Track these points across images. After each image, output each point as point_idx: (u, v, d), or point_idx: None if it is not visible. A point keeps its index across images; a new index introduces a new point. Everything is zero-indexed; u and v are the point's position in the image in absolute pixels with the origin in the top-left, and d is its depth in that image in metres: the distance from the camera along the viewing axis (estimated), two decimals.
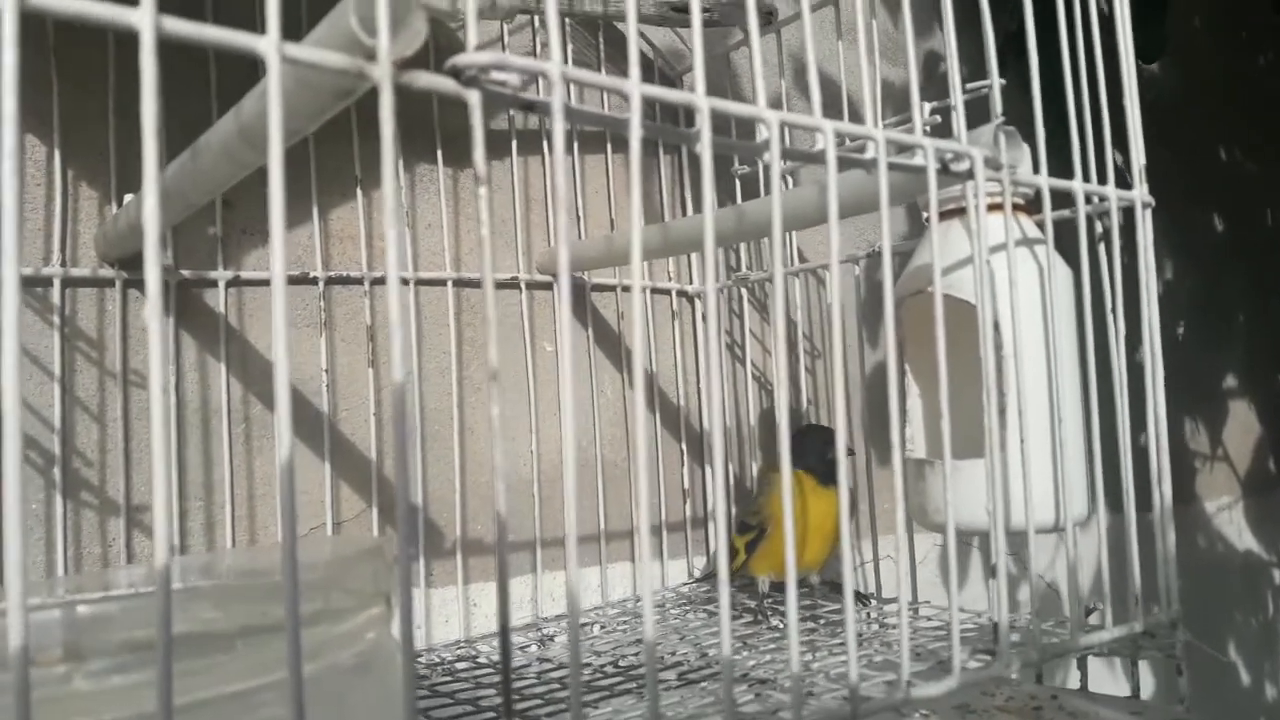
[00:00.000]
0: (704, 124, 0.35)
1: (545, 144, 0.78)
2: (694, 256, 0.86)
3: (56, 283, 0.58)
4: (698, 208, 0.85)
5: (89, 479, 0.59)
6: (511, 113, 0.76)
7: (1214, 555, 1.37)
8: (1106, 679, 1.04)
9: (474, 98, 0.31)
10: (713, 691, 0.50)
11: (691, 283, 0.86)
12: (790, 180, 0.79)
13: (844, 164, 0.41)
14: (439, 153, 0.73)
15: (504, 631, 0.29)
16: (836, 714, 0.37)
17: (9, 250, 0.23)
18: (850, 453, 0.67)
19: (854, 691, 0.38)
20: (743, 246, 0.88)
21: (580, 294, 0.79)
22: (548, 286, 0.78)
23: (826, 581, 0.73)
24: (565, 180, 0.31)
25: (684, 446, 0.84)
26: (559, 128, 0.32)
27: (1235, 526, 1.40)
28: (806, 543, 0.67)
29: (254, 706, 0.31)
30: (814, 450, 0.69)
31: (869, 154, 0.42)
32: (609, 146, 0.81)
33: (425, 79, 0.30)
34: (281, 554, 0.25)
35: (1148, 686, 1.03)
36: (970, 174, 0.45)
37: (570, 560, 0.30)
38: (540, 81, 0.32)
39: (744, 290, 0.87)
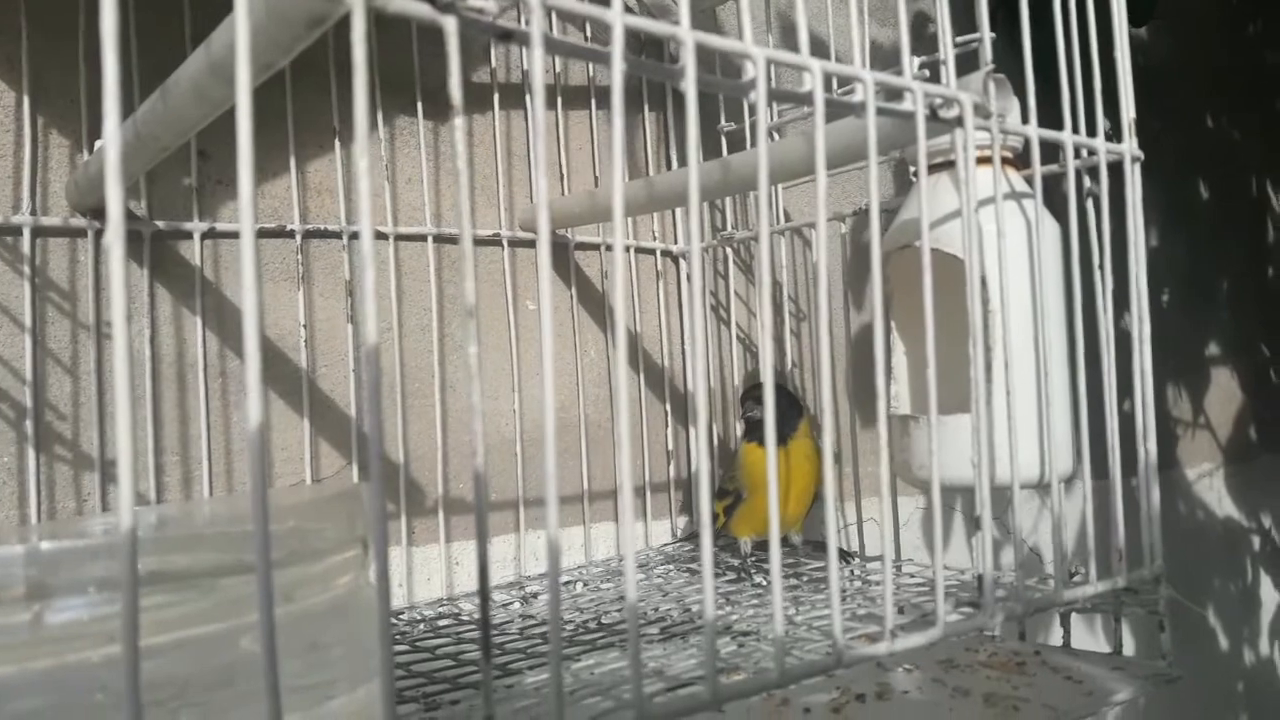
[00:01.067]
0: (688, 58, 0.34)
1: (528, 97, 0.76)
2: (679, 216, 0.85)
3: (26, 232, 0.57)
4: (683, 164, 0.84)
5: (62, 432, 0.58)
6: (494, 64, 0.75)
7: (1194, 521, 1.38)
8: (1088, 640, 1.05)
9: (450, 24, 0.30)
10: (695, 644, 0.50)
11: (676, 242, 0.85)
12: (776, 136, 0.78)
13: (831, 108, 0.40)
14: (419, 106, 0.71)
15: (483, 572, 0.29)
16: (820, 664, 0.37)
17: None
18: (754, 420, 0.67)
19: (837, 642, 0.37)
20: (728, 206, 0.87)
21: (563, 252, 0.78)
22: (530, 244, 0.77)
23: (809, 541, 0.72)
24: (544, 113, 0.30)
25: (668, 408, 0.83)
26: (538, 58, 0.31)
27: (1216, 493, 1.41)
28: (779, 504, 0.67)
29: (232, 645, 0.31)
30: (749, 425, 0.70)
31: (857, 97, 0.41)
32: (593, 102, 0.80)
33: (398, 4, 0.29)
34: (250, 482, 0.24)
35: (1128, 647, 1.04)
36: (959, 121, 0.44)
37: (550, 501, 0.30)
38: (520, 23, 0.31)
39: (729, 250, 0.86)
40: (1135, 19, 1.24)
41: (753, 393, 0.71)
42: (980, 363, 0.45)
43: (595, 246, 0.80)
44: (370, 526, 0.34)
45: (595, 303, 0.80)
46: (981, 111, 0.45)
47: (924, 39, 1.07)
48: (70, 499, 0.58)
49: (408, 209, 0.71)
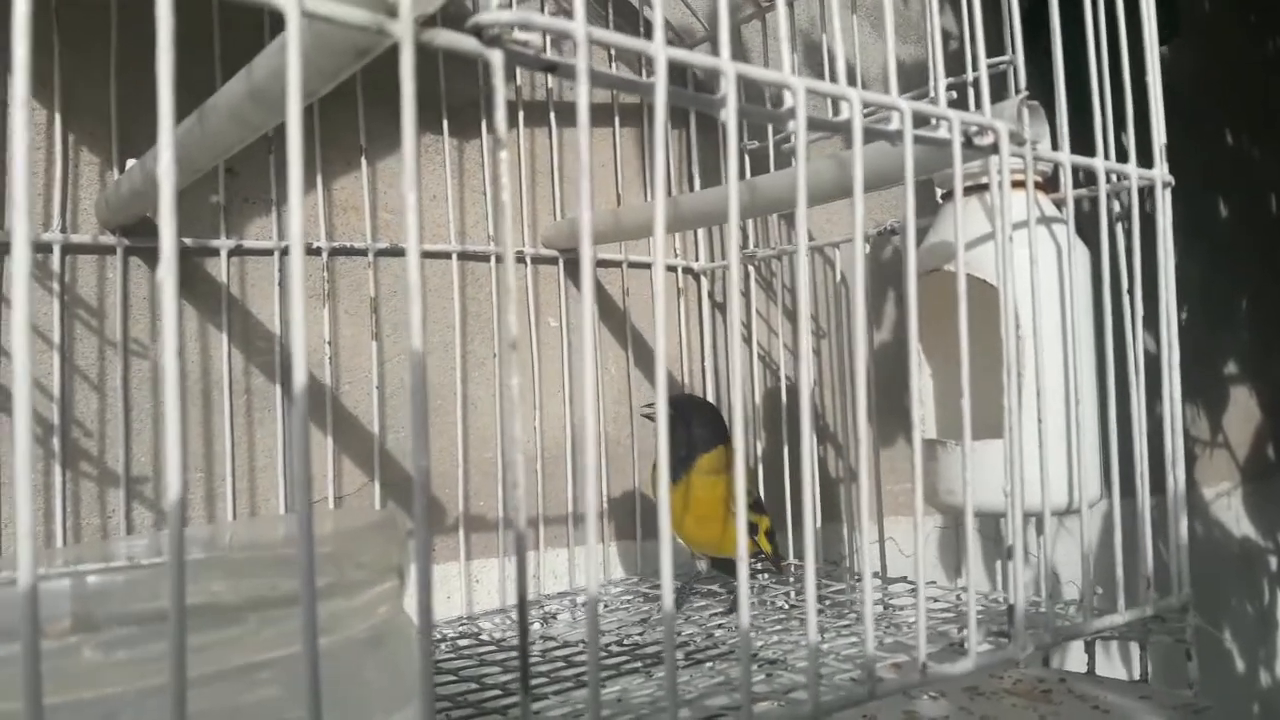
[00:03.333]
0: (730, 89, 0.34)
1: (552, 115, 0.77)
2: (700, 233, 0.85)
3: (56, 249, 0.57)
4: (705, 183, 0.84)
5: (88, 449, 0.58)
6: (518, 82, 0.75)
7: (1212, 541, 1.37)
8: (1103, 661, 1.04)
9: (496, 58, 0.30)
10: (721, 671, 0.50)
11: (698, 259, 0.85)
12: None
13: (868, 136, 0.40)
14: (444, 123, 0.71)
15: (522, 605, 0.29)
16: (853, 695, 0.37)
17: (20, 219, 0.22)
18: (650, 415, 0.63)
19: (870, 671, 0.37)
20: (749, 224, 0.87)
21: None
22: (553, 261, 0.77)
23: (832, 561, 0.72)
24: (588, 145, 0.30)
25: None
26: (584, 91, 0.31)
27: (1233, 513, 1.40)
28: (684, 526, 0.65)
29: (254, 685, 0.31)
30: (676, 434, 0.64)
31: (893, 125, 0.41)
32: (616, 120, 0.80)
33: (446, 37, 0.29)
34: (298, 523, 0.24)
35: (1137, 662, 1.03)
36: (994, 148, 0.44)
37: (591, 531, 0.29)
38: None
39: (751, 268, 0.86)
40: (1159, 38, 1.24)
41: (672, 403, 0.65)
42: (1014, 389, 0.45)
43: (617, 264, 0.80)
44: (406, 555, 0.34)
45: (616, 320, 0.80)
46: (1016, 139, 0.45)
47: (946, 57, 1.07)
48: (95, 515, 0.58)
49: (432, 226, 0.71)
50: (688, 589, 0.69)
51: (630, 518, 0.78)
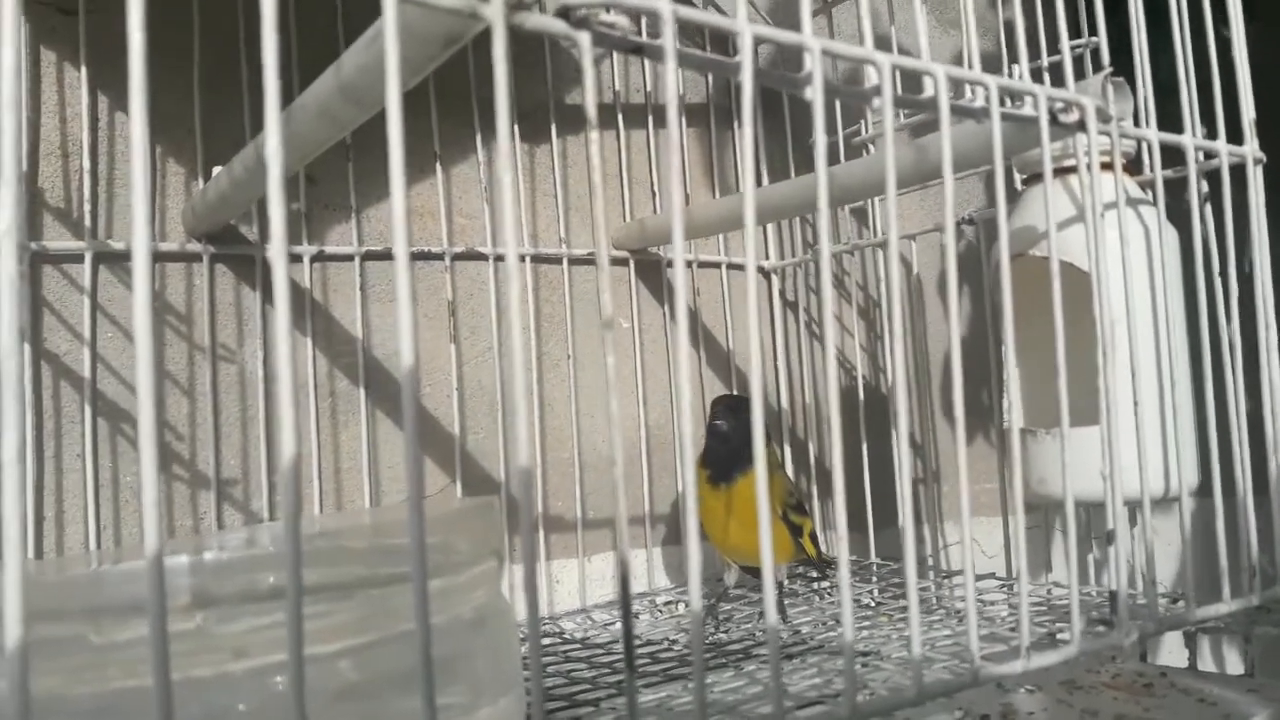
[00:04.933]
0: (815, 65, 0.34)
1: (619, 118, 0.77)
2: (769, 230, 0.85)
3: None
4: (773, 179, 0.84)
5: (180, 452, 0.59)
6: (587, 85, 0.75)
7: None
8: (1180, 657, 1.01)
9: (584, 39, 0.30)
10: (813, 664, 0.49)
11: (767, 258, 0.85)
12: (871, 148, 0.77)
13: (953, 114, 0.40)
14: (515, 128, 0.72)
15: (624, 584, 0.29)
16: (956, 683, 0.36)
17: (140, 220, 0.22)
18: (719, 430, 0.61)
19: (974, 659, 0.36)
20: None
21: (655, 270, 0.78)
22: (624, 263, 0.77)
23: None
24: (678, 123, 0.30)
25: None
26: (671, 69, 0.31)
27: None
28: (727, 533, 0.63)
29: (353, 667, 0.31)
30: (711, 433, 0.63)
31: (978, 102, 0.40)
32: (682, 119, 0.80)
33: (536, 20, 0.29)
34: (409, 504, 0.25)
35: (1234, 665, 0.99)
36: (1081, 125, 0.43)
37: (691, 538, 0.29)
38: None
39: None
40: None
41: (724, 400, 0.66)
42: (1110, 374, 0.43)
43: (687, 263, 0.80)
44: (503, 538, 0.35)
45: (689, 318, 0.80)
46: (1102, 115, 0.44)
47: (1012, 48, 1.05)
48: (188, 517, 0.59)
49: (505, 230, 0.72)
50: (715, 607, 0.67)
51: None
